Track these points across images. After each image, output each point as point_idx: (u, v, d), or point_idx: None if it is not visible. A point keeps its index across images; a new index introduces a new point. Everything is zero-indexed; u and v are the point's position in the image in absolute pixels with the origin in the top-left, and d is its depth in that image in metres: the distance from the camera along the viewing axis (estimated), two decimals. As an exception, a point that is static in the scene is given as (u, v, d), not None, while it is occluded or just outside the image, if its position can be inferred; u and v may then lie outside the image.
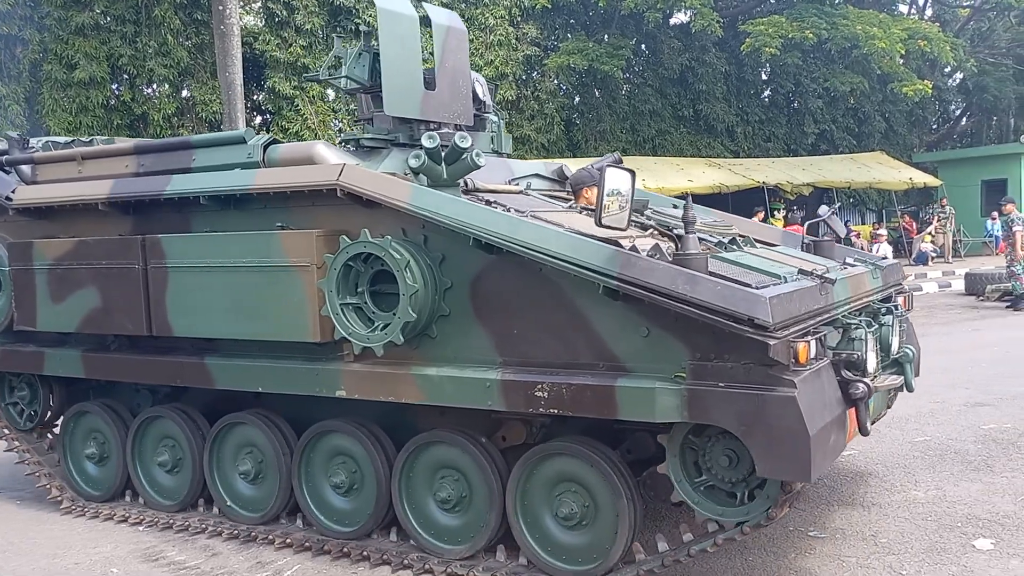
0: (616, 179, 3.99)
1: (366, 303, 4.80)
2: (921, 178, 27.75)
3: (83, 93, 20.98)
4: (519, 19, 25.32)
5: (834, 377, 4.23)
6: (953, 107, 29.59)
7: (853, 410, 4.33)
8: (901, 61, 24.69)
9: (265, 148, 5.31)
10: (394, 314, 4.68)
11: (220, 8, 17.67)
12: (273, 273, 4.94)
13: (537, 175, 6.29)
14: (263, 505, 5.72)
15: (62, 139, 6.81)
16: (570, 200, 5.94)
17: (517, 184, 5.99)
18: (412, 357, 4.77)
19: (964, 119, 29.87)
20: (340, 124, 23.00)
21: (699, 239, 4.79)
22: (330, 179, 4.78)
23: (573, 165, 7.06)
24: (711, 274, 3.97)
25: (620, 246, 4.14)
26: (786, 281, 4.40)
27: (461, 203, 4.51)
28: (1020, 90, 27.06)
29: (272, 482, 5.67)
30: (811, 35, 25.42)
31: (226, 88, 18.06)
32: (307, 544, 5.47)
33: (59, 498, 6.56)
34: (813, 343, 3.98)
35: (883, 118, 30.91)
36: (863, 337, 4.43)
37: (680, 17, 30.83)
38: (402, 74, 5.32)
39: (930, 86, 24.99)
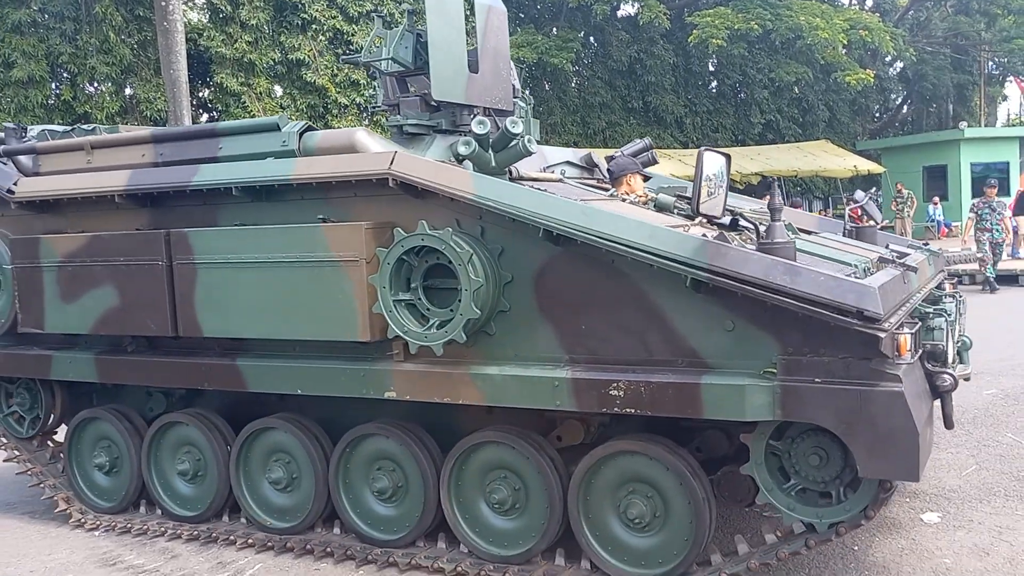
0: (713, 163, 3.68)
1: (420, 299, 4.43)
2: (865, 165, 28.08)
3: (22, 93, 19.88)
4: (468, 12, 24.76)
5: (922, 370, 3.99)
6: (894, 96, 30.01)
7: (938, 402, 4.09)
8: (843, 51, 24.89)
9: (300, 136, 4.87)
10: (451, 311, 4.32)
11: (163, 4, 16.96)
12: (317, 269, 4.53)
13: (568, 162, 5.96)
14: (298, 513, 5.30)
15: (60, 128, 6.25)
16: (608, 188, 5.63)
17: (552, 172, 5.65)
18: (469, 356, 4.42)
19: (905, 107, 30.31)
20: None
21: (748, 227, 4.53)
22: (381, 167, 4.39)
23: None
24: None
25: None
26: (866, 270, 4.15)
27: (531, 193, 4.17)
28: (957, 78, 27.50)
29: (308, 490, 5.25)
30: (756, 26, 25.52)
31: (171, 85, 17.36)
32: (269, 544, 5.29)
33: (67, 511, 6.03)
34: (911, 335, 3.73)
35: (827, 107, 31.21)
36: (943, 327, 4.20)
37: (628, 9, 30.71)
38: (449, 56, 4.94)
39: (872, 75, 25.26)
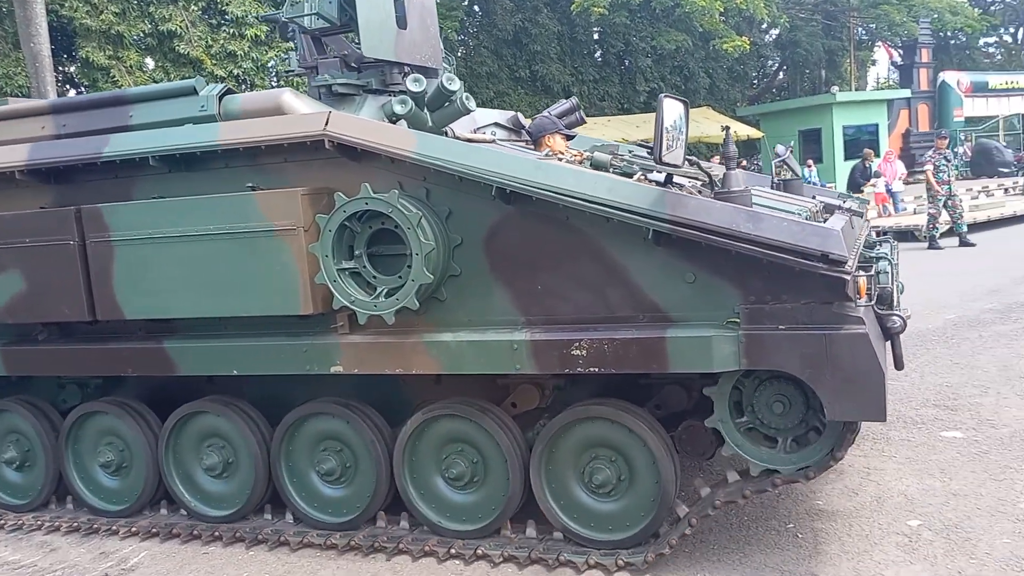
0: (673, 110, 3.56)
1: (365, 267, 4.19)
2: (745, 131, 28.78)
3: None
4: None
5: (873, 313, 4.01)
6: (771, 62, 30.79)
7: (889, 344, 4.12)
8: (720, 18, 25.34)
9: (220, 99, 4.54)
10: (400, 277, 4.11)
11: (19, -28, 15.74)
12: (251, 240, 4.22)
13: (497, 124, 5.78)
14: (237, 501, 5.00)
15: None
16: (531, 148, 5.48)
17: (483, 133, 5.47)
18: (419, 324, 4.20)
19: (781, 73, 31.15)
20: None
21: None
22: (315, 129, 4.10)
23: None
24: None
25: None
26: (813, 218, 4.14)
27: (481, 150, 3.96)
28: (829, 44, 28.38)
29: (246, 476, 4.95)
30: (636, -6, 25.66)
31: (31, 60, 16.06)
32: (154, 531, 5.08)
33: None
34: (869, 277, 3.73)
35: (707, 74, 31.81)
36: (887, 270, 4.24)
37: (511, -23, 30.47)
38: (377, 11, 4.67)
39: (748, 42, 25.80)
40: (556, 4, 29.67)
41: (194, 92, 4.47)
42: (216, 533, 4.92)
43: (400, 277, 4.09)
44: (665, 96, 3.52)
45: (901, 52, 27.67)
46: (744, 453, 3.93)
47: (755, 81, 30.39)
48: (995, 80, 25.30)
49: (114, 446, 5.21)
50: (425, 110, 4.35)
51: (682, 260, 3.78)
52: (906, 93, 25.09)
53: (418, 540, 4.56)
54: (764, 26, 27.63)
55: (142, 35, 18.79)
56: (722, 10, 23.49)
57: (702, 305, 3.78)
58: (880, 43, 29.16)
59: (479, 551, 4.38)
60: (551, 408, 4.57)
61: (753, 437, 3.97)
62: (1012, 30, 31.94)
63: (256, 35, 17.87)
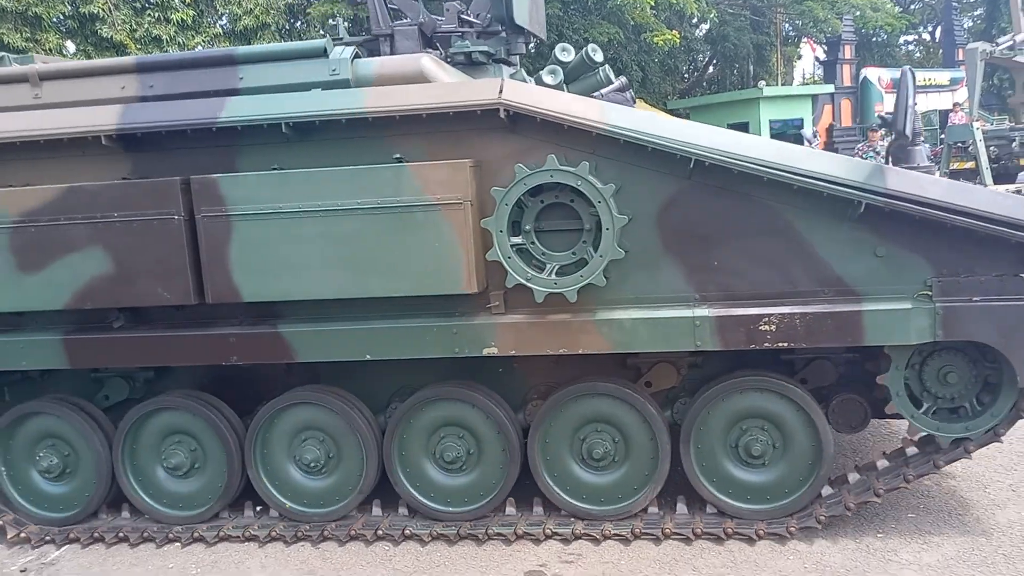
0: (913, 83, 3.58)
1: (533, 243, 3.98)
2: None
3: None
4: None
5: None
6: (701, 56, 31.29)
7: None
8: (651, 12, 25.72)
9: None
10: (573, 253, 3.95)
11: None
12: (405, 215, 3.94)
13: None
14: (339, 497, 4.64)
15: None
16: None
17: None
18: (584, 302, 4.05)
19: (711, 67, 31.79)
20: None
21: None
22: (489, 97, 3.87)
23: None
24: None
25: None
26: None
27: (672, 121, 3.85)
28: (756, 39, 29.12)
29: (351, 469, 4.61)
30: (568, -15, 25.57)
31: None
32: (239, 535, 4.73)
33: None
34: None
35: (639, 67, 32.05)
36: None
37: (440, -36, 29.66)
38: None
39: (678, 36, 26.19)
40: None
41: (324, 54, 4.09)
42: (323, 531, 4.63)
43: (574, 253, 3.91)
44: (910, 68, 3.52)
45: (825, 48, 28.97)
46: (921, 424, 4.02)
47: (686, 75, 31.00)
48: None
49: (184, 445, 4.68)
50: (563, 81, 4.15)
51: (871, 234, 3.85)
52: (830, 88, 26.23)
53: (562, 526, 4.44)
54: (695, 20, 28.17)
55: (62, 17, 17.06)
56: (653, 4, 23.83)
57: (890, 279, 3.87)
58: (805, 39, 30.36)
59: (634, 531, 4.35)
60: (685, 387, 4.49)
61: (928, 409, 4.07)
62: (930, 29, 34.17)
63: (182, 19, 16.63)
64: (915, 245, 3.84)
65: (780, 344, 3.93)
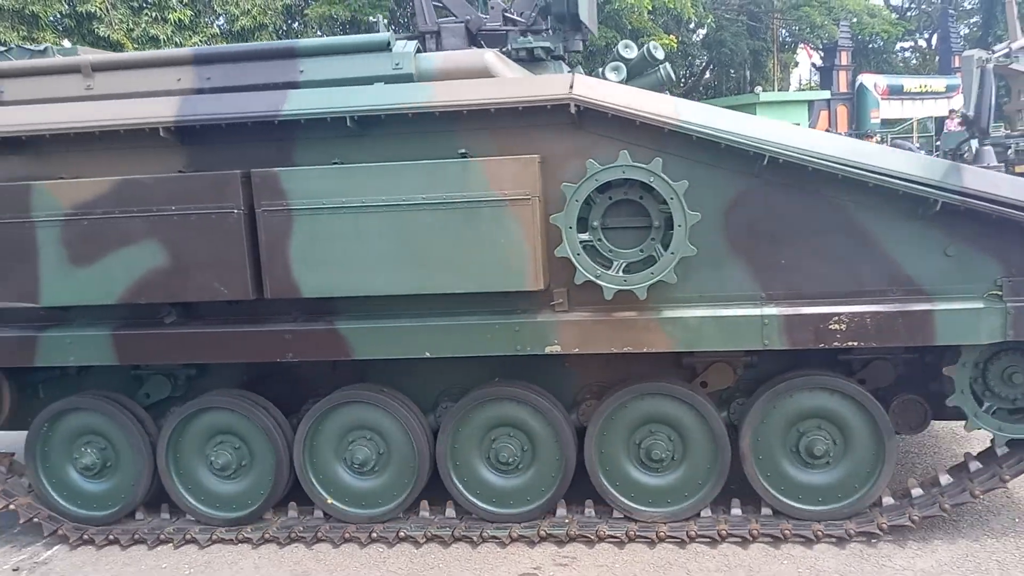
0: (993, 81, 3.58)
1: (600, 240, 3.94)
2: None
3: None
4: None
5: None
6: (698, 61, 31.32)
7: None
8: (649, 17, 25.77)
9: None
10: (640, 251, 3.92)
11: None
12: (472, 210, 3.89)
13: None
14: (388, 498, 4.58)
15: (29, 47, 4.83)
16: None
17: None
18: (648, 300, 4.01)
19: (707, 72, 31.82)
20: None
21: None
22: (560, 93, 3.84)
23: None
24: None
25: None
26: None
27: (745, 118, 3.83)
28: (753, 44, 29.20)
29: (402, 468, 4.56)
30: (567, -10, 25.59)
31: None
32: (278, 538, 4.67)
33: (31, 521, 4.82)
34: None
35: None
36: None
37: (439, -34, 29.58)
38: (587, -28, 4.40)
39: (676, 41, 26.22)
40: (487, -1, 29.04)
41: (387, 48, 4.04)
42: (316, 533, 4.61)
43: (641, 250, 3.88)
44: (990, 64, 3.51)
45: (822, 54, 29.06)
46: (985, 424, 4.01)
47: (683, 80, 31.07)
48: (910, 84, 26.83)
49: (228, 445, 4.61)
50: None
51: (941, 233, 3.85)
52: (826, 95, 26.26)
53: (556, 528, 4.39)
54: (692, 25, 28.25)
55: (59, 15, 16.87)
56: (650, 8, 23.92)
57: (959, 278, 3.87)
58: (802, 45, 30.41)
59: (689, 532, 4.34)
60: (740, 387, 4.45)
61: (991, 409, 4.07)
62: (927, 35, 34.33)
63: (179, 19, 16.49)
64: (986, 244, 3.84)
65: (849, 343, 3.91)
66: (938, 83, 26.52)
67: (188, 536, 4.68)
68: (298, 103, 4.01)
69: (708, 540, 4.33)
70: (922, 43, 35.15)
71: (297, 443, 4.58)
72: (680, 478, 4.41)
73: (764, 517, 4.36)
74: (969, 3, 31.07)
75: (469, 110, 3.92)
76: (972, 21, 31.16)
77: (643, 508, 4.43)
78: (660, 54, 4.19)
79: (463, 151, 3.98)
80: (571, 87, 3.84)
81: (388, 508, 4.58)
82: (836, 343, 3.92)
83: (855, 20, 26.04)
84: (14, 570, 4.56)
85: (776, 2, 26.86)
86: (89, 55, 4.47)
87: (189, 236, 4.09)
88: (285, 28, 19.60)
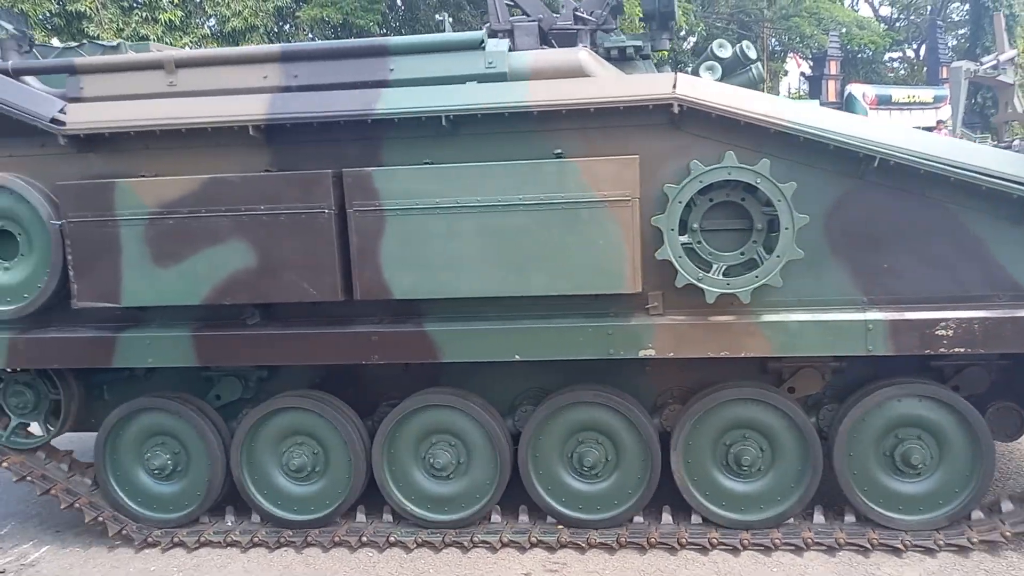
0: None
1: (700, 243, 3.87)
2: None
3: None
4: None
5: None
6: (689, 68, 31.29)
7: None
8: (640, 23, 25.60)
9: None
10: (741, 254, 3.84)
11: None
12: (569, 211, 3.83)
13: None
14: (468, 503, 4.52)
15: (104, 42, 4.76)
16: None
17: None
18: (746, 304, 3.92)
19: None
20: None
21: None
22: (663, 92, 3.78)
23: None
24: None
25: None
26: None
27: (854, 119, 3.76)
28: None
29: (484, 473, 4.50)
30: (559, -4, 25.58)
31: None
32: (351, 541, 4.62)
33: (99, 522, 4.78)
34: None
35: None
36: None
37: (434, -30, 29.45)
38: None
39: (666, 51, 26.12)
40: (481, 1, 28.94)
41: (480, 47, 3.97)
42: (306, 537, 4.61)
43: (742, 253, 3.80)
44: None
45: (811, 64, 29.05)
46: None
47: None
48: (898, 94, 26.82)
49: (306, 447, 4.52)
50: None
51: (1049, 237, 3.72)
52: (815, 104, 26.15)
53: (547, 534, 4.45)
54: (682, 33, 28.23)
55: (49, 14, 16.79)
56: (641, 16, 23.85)
57: (1068, 284, 3.75)
58: (791, 54, 30.36)
59: (619, 539, 4.34)
60: (827, 393, 4.38)
61: None
62: (915, 46, 34.33)
63: (170, 20, 16.44)
64: (1096, 250, 3.75)
65: (956, 349, 3.86)
66: (926, 94, 26.48)
67: (176, 539, 4.66)
68: (393, 102, 3.94)
69: (637, 547, 4.33)
70: (910, 54, 35.16)
71: (376, 446, 4.51)
72: (767, 485, 4.33)
73: (694, 526, 4.37)
74: (957, 15, 31.03)
75: (568, 109, 3.85)
76: (960, 32, 31.13)
77: (730, 515, 4.35)
78: (752, 53, 4.13)
79: (559, 151, 3.91)
80: (674, 86, 3.77)
81: (466, 515, 4.51)
82: (943, 349, 3.85)
83: (844, 31, 26.01)
84: (1, 572, 4.54)
85: (766, 11, 26.81)
86: (172, 51, 4.39)
87: (278, 236, 4.03)
88: (276, 30, 19.52)
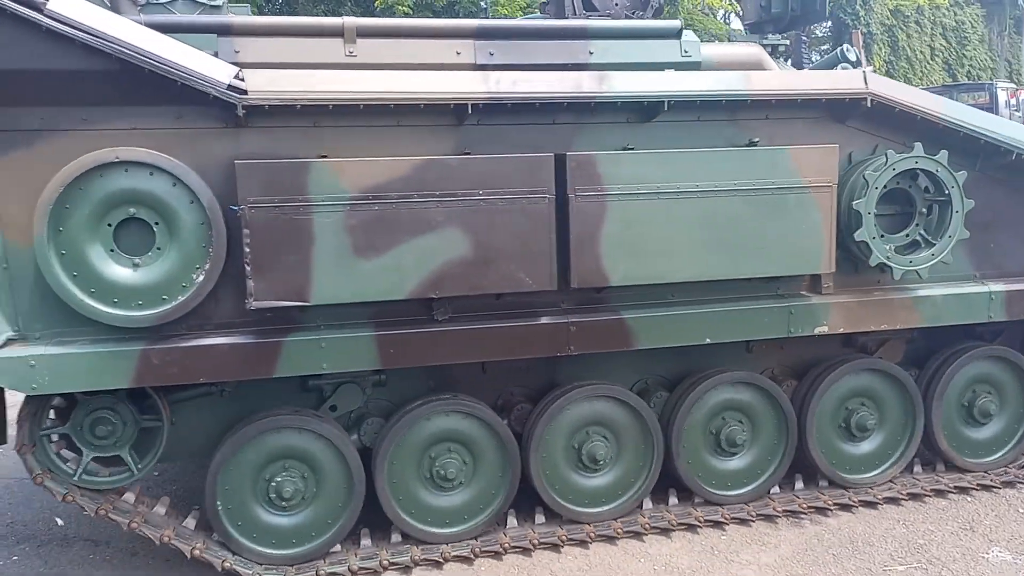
0: None
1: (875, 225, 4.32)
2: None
3: None
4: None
5: None
6: None
7: None
8: None
9: (695, 47, 4.24)
10: (907, 235, 4.38)
11: None
12: (780, 197, 4.10)
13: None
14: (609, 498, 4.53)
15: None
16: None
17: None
18: (898, 281, 4.42)
19: None
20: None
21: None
22: (858, 87, 4.18)
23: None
24: None
25: None
26: None
27: (989, 116, 4.41)
28: None
29: (629, 468, 4.54)
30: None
31: None
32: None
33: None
34: None
35: None
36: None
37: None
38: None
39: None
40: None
41: (677, 35, 4.08)
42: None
43: (907, 235, 4.37)
44: None
45: None
46: None
47: None
48: None
49: (457, 455, 4.33)
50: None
51: None
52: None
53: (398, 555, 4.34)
54: None
55: None
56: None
57: None
58: None
59: (473, 551, 4.31)
60: (906, 360, 5.01)
61: None
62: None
63: None
64: None
65: (1053, 314, 4.62)
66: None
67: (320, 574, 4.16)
68: (616, 85, 3.89)
69: (492, 554, 4.31)
70: (777, 69, 38.52)
71: (527, 448, 4.34)
72: (878, 446, 4.85)
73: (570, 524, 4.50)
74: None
75: (777, 99, 4.08)
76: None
77: (851, 476, 4.80)
78: (852, 56, 4.63)
79: (755, 140, 4.12)
80: (866, 82, 4.15)
81: (615, 505, 4.51)
82: (1043, 314, 4.62)
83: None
84: None
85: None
86: (351, 19, 3.89)
87: (495, 223, 3.78)
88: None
